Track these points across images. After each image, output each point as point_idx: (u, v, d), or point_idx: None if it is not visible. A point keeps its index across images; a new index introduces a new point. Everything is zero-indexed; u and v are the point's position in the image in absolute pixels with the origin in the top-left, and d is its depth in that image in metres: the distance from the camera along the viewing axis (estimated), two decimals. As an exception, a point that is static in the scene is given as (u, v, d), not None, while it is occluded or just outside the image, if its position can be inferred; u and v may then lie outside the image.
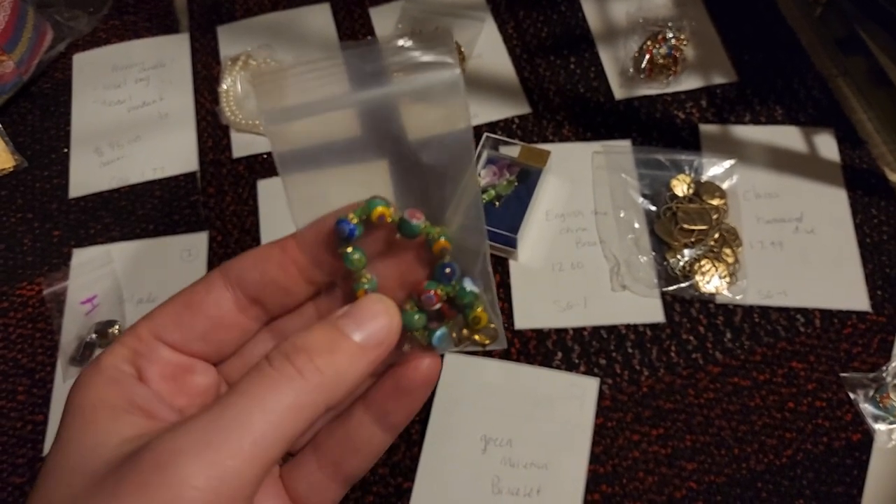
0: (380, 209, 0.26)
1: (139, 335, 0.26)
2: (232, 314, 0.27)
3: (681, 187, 0.69)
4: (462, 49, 0.81)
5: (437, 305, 0.27)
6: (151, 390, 0.26)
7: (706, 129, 0.74)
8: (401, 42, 0.25)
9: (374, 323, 0.25)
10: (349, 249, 0.26)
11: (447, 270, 0.27)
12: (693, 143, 0.74)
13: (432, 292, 0.27)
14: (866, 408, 0.60)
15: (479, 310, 0.27)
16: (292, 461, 0.29)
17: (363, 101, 0.26)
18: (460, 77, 0.25)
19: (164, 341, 0.26)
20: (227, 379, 0.29)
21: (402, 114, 0.26)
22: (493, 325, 0.28)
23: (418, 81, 0.25)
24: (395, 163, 0.27)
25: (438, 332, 0.27)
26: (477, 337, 0.28)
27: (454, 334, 0.27)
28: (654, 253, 0.67)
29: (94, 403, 0.24)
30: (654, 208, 0.69)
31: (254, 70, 0.24)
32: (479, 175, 0.70)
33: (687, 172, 0.70)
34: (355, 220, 0.26)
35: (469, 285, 0.27)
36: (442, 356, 0.29)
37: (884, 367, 0.61)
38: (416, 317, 0.27)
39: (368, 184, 0.26)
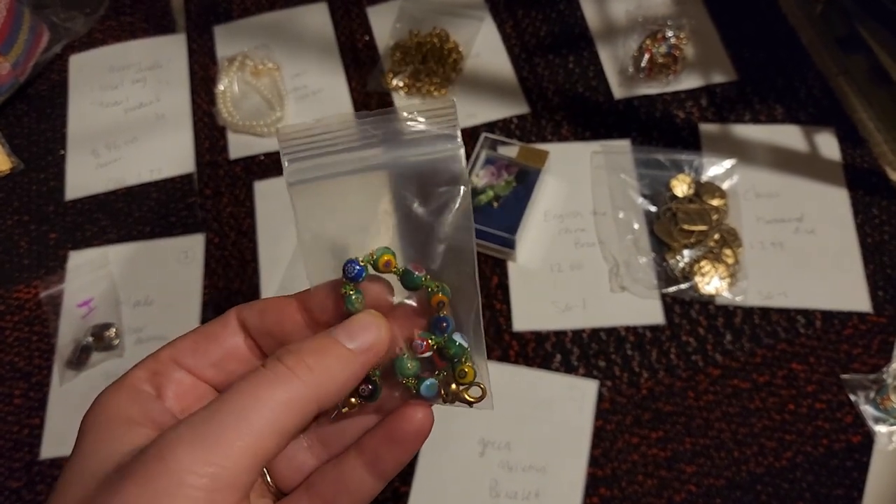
0: (387, 256, 0.28)
1: (159, 359, 0.29)
2: (242, 349, 0.30)
3: (680, 187, 0.69)
4: (460, 48, 0.81)
5: (427, 353, 0.28)
6: (165, 406, 0.28)
7: (706, 128, 0.74)
8: (413, 113, 0.28)
9: (364, 334, 0.27)
10: (351, 291, 0.28)
11: (443, 324, 0.29)
12: (693, 142, 0.73)
13: (423, 340, 0.28)
14: (867, 409, 0.60)
15: (467, 364, 0.29)
16: (285, 499, 0.30)
17: (377, 163, 0.29)
18: (462, 148, 0.28)
19: (180, 365, 0.29)
20: None
21: (409, 177, 0.29)
22: (481, 385, 0.29)
23: (426, 150, 0.28)
24: (399, 219, 0.29)
25: (427, 382, 0.28)
26: (467, 396, 0.29)
27: (442, 390, 0.29)
28: (653, 254, 0.67)
29: (112, 418, 0.26)
30: (653, 209, 0.69)
31: (282, 131, 0.28)
32: (478, 175, 0.70)
33: (687, 172, 0.70)
34: (363, 263, 0.28)
35: (459, 339, 0.29)
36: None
37: (884, 369, 0.60)
38: (409, 364, 0.28)
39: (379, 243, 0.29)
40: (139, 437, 0.25)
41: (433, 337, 0.29)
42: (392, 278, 0.29)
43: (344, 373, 0.26)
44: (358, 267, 0.28)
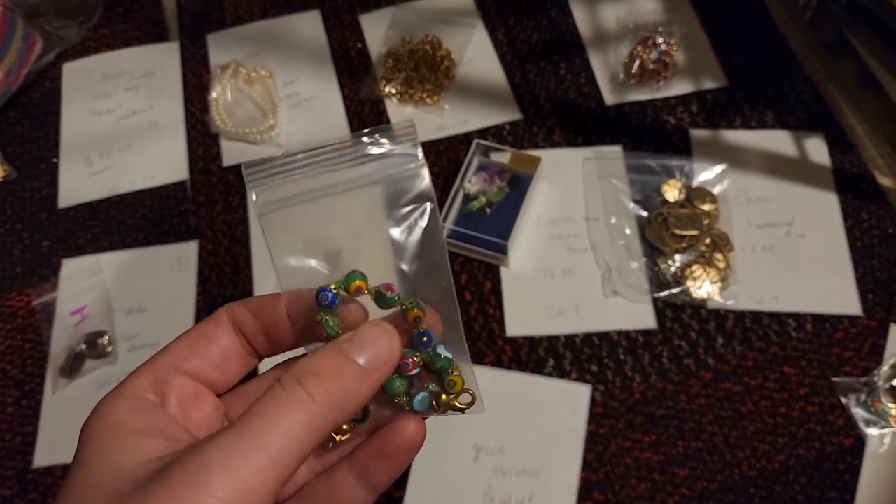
0: (357, 282, 0.28)
1: (159, 366, 0.29)
2: (238, 347, 0.30)
3: (672, 192, 0.69)
4: (453, 55, 0.81)
5: (415, 371, 0.29)
6: (169, 415, 0.28)
7: (697, 133, 0.74)
8: (374, 135, 0.29)
9: (375, 345, 0.27)
10: (327, 317, 0.28)
11: (424, 339, 0.29)
12: (684, 148, 0.74)
13: (409, 359, 0.29)
14: (858, 412, 0.60)
15: (455, 374, 0.29)
16: None
17: (345, 188, 0.29)
18: (425, 166, 0.29)
19: (182, 370, 0.29)
20: (228, 415, 0.31)
21: (376, 197, 0.29)
22: (470, 391, 0.30)
23: (391, 170, 0.29)
24: (371, 240, 0.30)
25: (418, 397, 0.29)
26: (457, 403, 0.29)
27: (433, 402, 0.29)
28: (645, 258, 0.67)
29: (116, 427, 0.26)
30: (645, 214, 0.69)
31: (246, 164, 0.29)
32: (470, 182, 0.70)
33: (678, 177, 0.70)
34: (335, 290, 0.28)
35: (443, 351, 0.29)
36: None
37: (875, 372, 0.61)
38: (398, 383, 0.29)
39: (351, 262, 0.29)
40: (148, 448, 0.25)
41: (418, 353, 0.29)
42: (366, 301, 0.29)
43: (360, 393, 0.27)
44: (331, 294, 0.28)
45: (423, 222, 0.29)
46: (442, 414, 0.30)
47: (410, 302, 0.29)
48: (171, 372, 0.28)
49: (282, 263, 0.29)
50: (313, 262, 0.29)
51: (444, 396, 0.29)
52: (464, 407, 0.30)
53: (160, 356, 0.29)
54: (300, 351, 0.31)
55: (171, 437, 0.26)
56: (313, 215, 0.29)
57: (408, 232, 0.29)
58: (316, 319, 0.28)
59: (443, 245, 0.29)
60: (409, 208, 0.29)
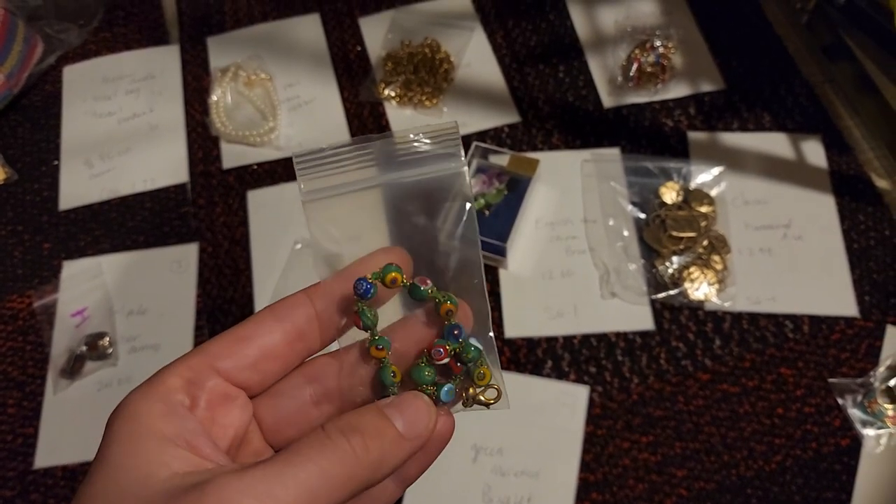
0: (393, 274, 0.29)
1: (192, 365, 0.28)
2: (280, 347, 0.30)
3: (669, 194, 0.70)
4: (451, 58, 0.82)
5: (445, 360, 0.30)
6: (198, 421, 0.28)
7: (694, 136, 0.75)
8: (418, 135, 0.30)
9: (415, 415, 0.28)
10: (364, 307, 0.29)
11: (455, 332, 0.30)
12: (681, 150, 0.74)
13: (441, 347, 0.30)
14: (854, 413, 0.60)
15: (484, 367, 0.30)
16: None
17: (385, 181, 0.30)
18: (465, 169, 0.30)
19: (216, 370, 0.29)
20: (257, 412, 0.31)
21: (416, 194, 0.30)
22: (496, 387, 0.30)
23: (433, 169, 0.30)
24: (407, 234, 0.31)
25: (445, 388, 0.30)
26: (483, 397, 0.30)
27: (463, 393, 0.30)
28: (643, 260, 0.68)
29: (146, 432, 0.26)
30: (643, 216, 0.70)
31: (297, 153, 0.30)
32: (469, 184, 0.71)
33: (675, 180, 0.71)
34: (371, 280, 0.29)
35: (474, 342, 0.30)
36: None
37: (872, 373, 0.61)
38: (426, 371, 0.30)
39: (384, 252, 0.30)
40: (176, 460, 0.25)
41: (449, 343, 0.30)
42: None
43: (394, 458, 0.27)
44: (367, 285, 0.29)
45: (461, 220, 0.30)
46: (468, 408, 0.30)
47: (443, 295, 0.30)
48: (205, 371, 0.28)
49: (320, 247, 0.30)
50: (350, 248, 0.30)
51: (471, 390, 0.30)
52: (490, 402, 0.30)
53: (195, 355, 0.29)
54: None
55: (197, 449, 0.26)
56: (355, 205, 0.30)
57: (444, 228, 0.30)
58: (353, 310, 0.29)
59: (477, 243, 0.30)
60: (447, 205, 0.30)
